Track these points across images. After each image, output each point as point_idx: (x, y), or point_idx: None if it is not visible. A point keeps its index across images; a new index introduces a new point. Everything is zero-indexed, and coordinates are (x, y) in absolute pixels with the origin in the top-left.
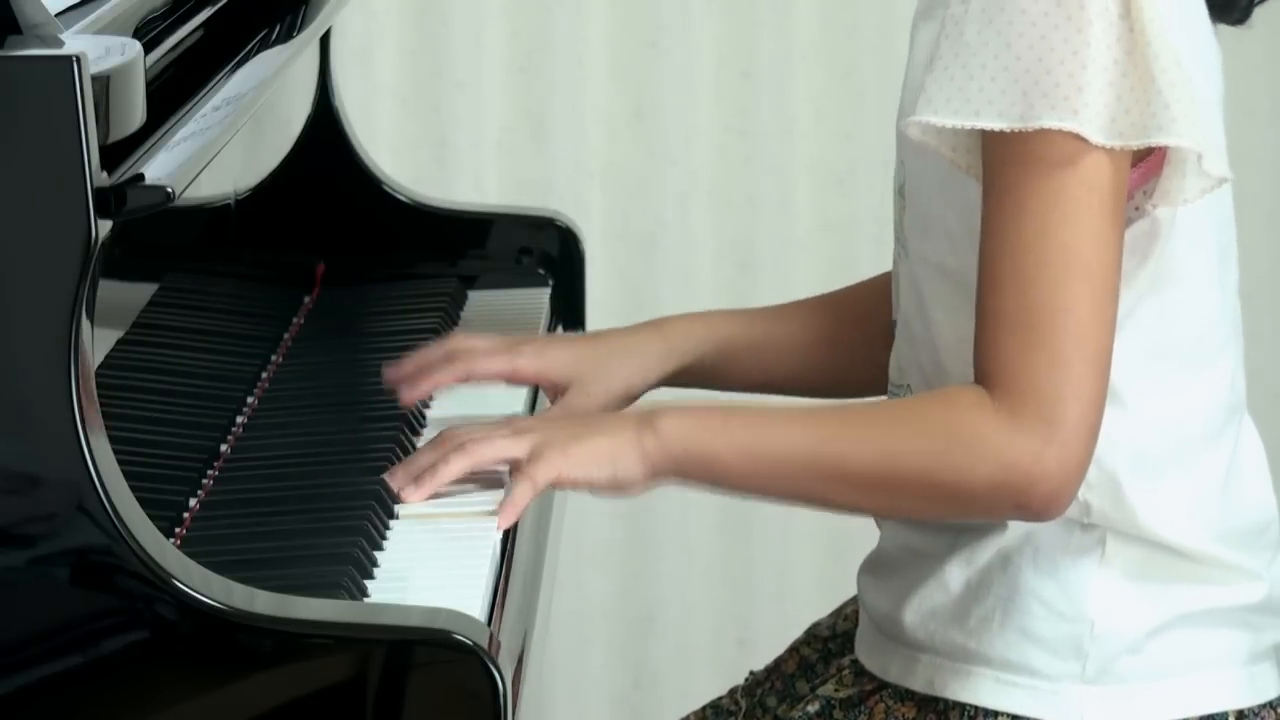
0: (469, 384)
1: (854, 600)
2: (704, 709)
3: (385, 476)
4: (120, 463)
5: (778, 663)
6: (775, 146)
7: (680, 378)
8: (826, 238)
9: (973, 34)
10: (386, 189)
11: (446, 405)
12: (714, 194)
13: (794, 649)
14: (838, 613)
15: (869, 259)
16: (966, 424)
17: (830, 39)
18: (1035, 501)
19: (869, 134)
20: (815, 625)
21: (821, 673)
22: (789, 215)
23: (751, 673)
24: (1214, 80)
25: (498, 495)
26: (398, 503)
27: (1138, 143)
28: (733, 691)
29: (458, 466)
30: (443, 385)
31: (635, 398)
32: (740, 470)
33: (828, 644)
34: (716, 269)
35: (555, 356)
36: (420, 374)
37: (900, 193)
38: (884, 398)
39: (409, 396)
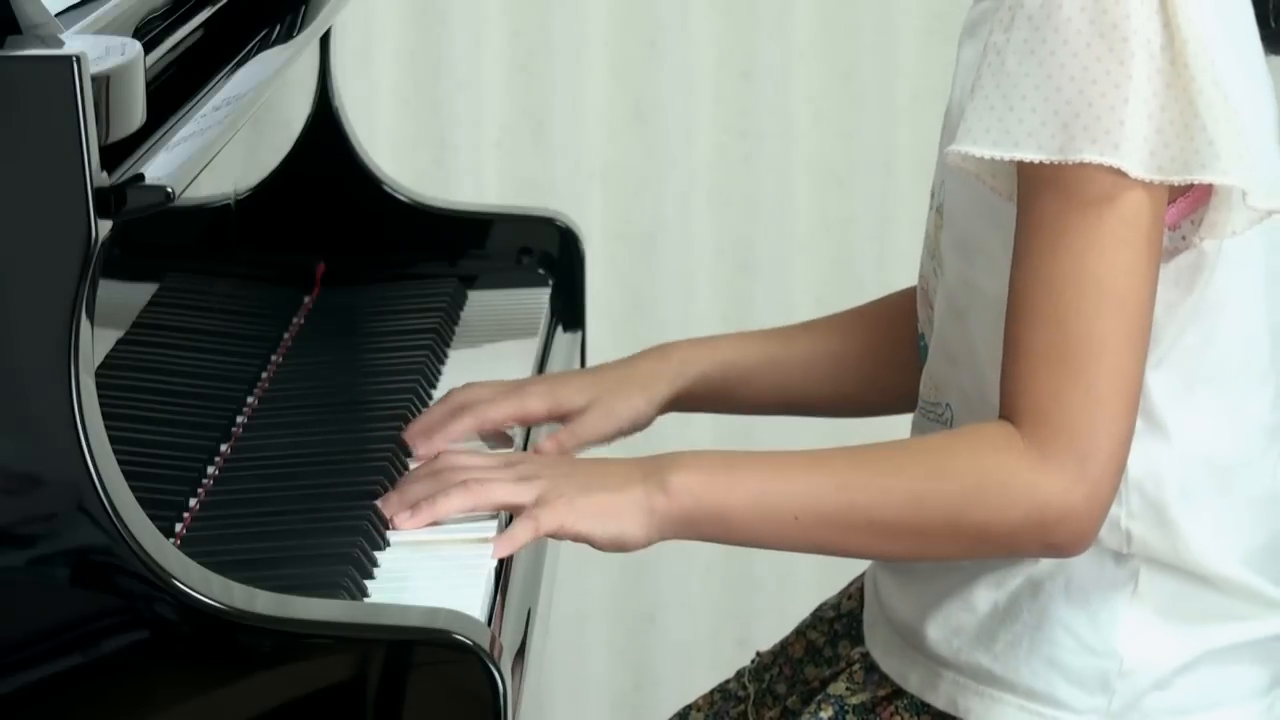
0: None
1: (858, 580)
2: (712, 693)
3: (378, 503)
4: (120, 463)
5: (784, 645)
6: (775, 146)
7: (686, 401)
8: (826, 238)
9: (1014, 64)
10: (386, 189)
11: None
12: (714, 194)
13: (800, 632)
14: (842, 592)
15: (869, 259)
16: (997, 465)
17: (830, 39)
18: (1062, 539)
19: (869, 134)
20: (820, 607)
21: (829, 656)
22: (789, 215)
23: (758, 654)
24: (1265, 109)
25: (494, 524)
26: (389, 529)
27: (1179, 178)
28: (740, 675)
29: (458, 503)
30: (455, 438)
31: (643, 425)
32: (755, 525)
33: (833, 625)
34: (716, 269)
35: (565, 389)
36: (432, 430)
37: (939, 211)
38: (902, 438)
39: (424, 452)
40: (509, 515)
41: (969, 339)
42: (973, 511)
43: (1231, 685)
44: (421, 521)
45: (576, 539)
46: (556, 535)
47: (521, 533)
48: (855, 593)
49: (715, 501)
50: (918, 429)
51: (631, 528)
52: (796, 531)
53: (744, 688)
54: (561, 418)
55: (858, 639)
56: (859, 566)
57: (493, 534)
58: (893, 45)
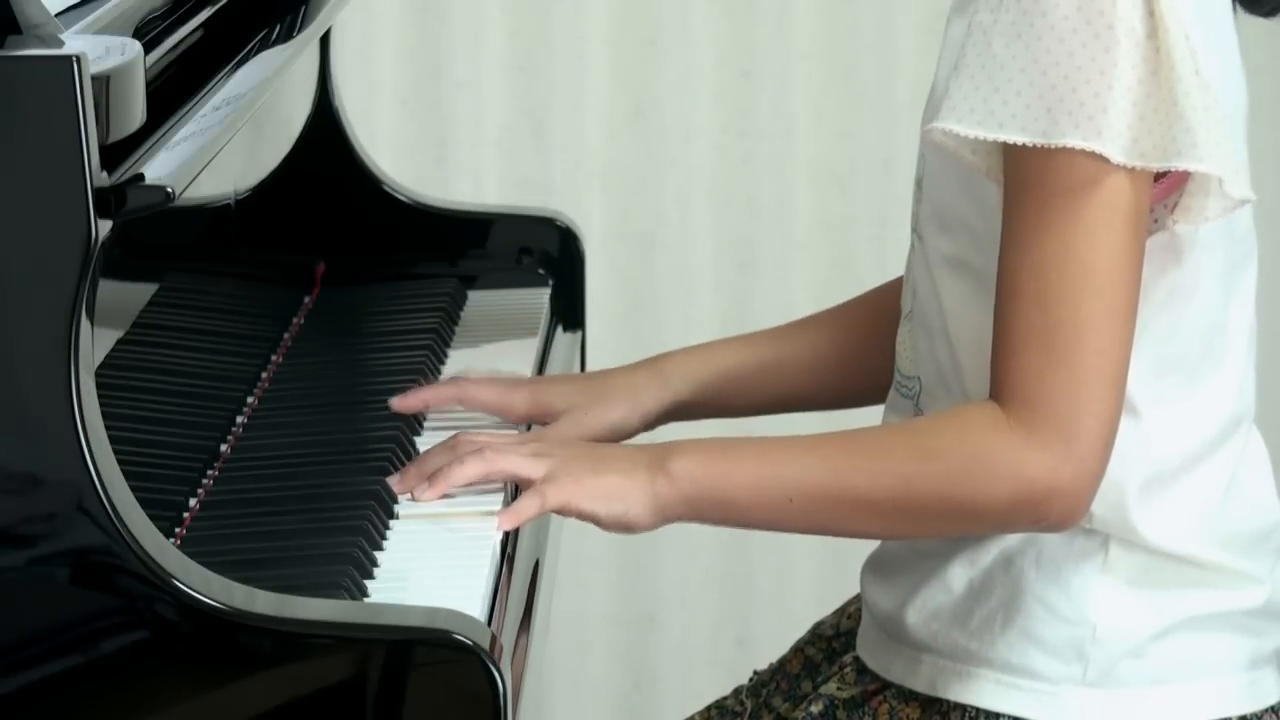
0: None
1: (857, 598)
2: (709, 709)
3: (395, 477)
4: (120, 463)
5: (782, 662)
6: (775, 146)
7: (683, 413)
8: (826, 238)
9: (1000, 46)
10: (386, 189)
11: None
12: (714, 194)
13: (798, 648)
14: (841, 611)
15: (869, 259)
16: (982, 444)
17: (830, 39)
18: (1052, 516)
19: (869, 134)
20: (819, 624)
21: (825, 671)
22: (788, 215)
23: (756, 672)
24: (1237, 97)
25: (499, 498)
26: (396, 502)
27: (1159, 165)
28: (737, 691)
29: (473, 470)
30: (438, 401)
31: (627, 435)
32: (753, 509)
33: (831, 643)
34: (716, 269)
35: (550, 393)
36: (420, 394)
37: (919, 185)
38: (893, 420)
39: (401, 405)
40: (514, 491)
41: (942, 311)
42: (960, 491)
43: (1209, 655)
44: (438, 492)
45: (581, 517)
46: (562, 512)
47: (528, 506)
48: (855, 612)
49: (715, 486)
50: (891, 405)
51: (636, 510)
52: (793, 513)
53: (741, 703)
54: (542, 418)
55: (853, 652)
56: (858, 567)
57: (498, 507)
58: (893, 45)
